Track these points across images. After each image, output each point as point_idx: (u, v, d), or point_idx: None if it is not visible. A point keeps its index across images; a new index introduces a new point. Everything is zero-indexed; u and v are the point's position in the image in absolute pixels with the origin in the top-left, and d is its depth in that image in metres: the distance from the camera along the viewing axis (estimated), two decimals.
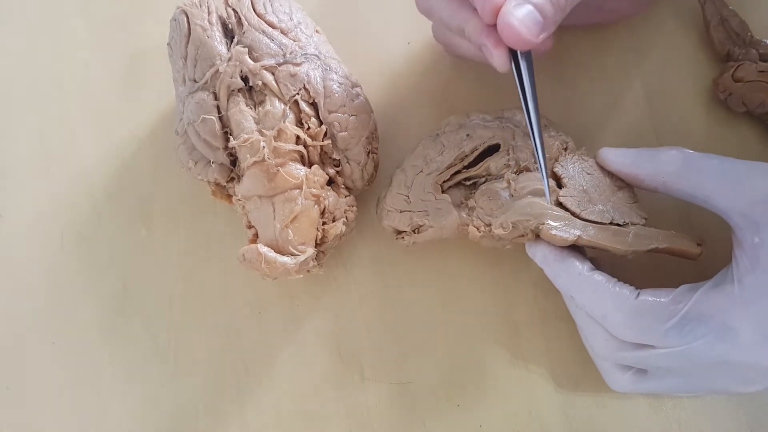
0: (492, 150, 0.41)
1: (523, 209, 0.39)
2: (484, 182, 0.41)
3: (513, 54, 0.36)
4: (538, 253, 0.39)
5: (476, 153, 0.41)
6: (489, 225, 0.39)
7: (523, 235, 0.39)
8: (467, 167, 0.41)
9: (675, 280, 0.36)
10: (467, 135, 0.41)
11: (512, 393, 0.43)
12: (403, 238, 0.41)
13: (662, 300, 0.35)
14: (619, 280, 0.37)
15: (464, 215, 0.40)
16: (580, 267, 0.37)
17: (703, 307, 0.34)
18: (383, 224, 0.41)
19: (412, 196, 0.41)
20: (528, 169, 0.40)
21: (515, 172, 0.40)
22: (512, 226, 0.38)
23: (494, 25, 0.35)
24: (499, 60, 0.36)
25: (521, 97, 0.37)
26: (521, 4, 0.34)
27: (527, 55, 0.36)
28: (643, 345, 0.36)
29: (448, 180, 0.41)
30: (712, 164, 0.35)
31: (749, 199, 0.34)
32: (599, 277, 0.37)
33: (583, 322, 0.39)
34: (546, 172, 0.37)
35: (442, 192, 0.41)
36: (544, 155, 0.37)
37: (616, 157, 0.39)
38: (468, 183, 0.41)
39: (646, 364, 0.36)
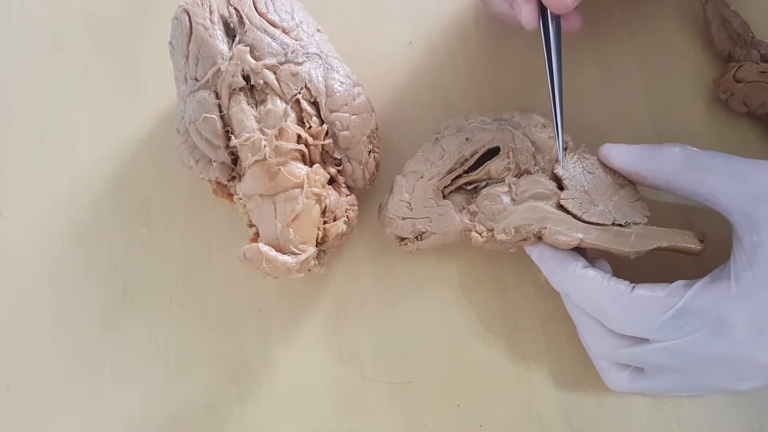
0: (492, 153, 0.41)
1: (525, 213, 0.39)
2: (485, 186, 0.41)
3: (543, 15, 0.37)
4: (535, 251, 0.39)
5: (476, 157, 0.41)
6: (491, 230, 0.39)
7: (525, 239, 0.39)
8: (468, 171, 0.41)
9: (671, 277, 0.36)
10: (466, 139, 0.41)
11: (512, 393, 0.43)
12: (406, 244, 0.41)
13: (657, 294, 0.35)
14: (613, 276, 0.37)
15: (467, 220, 0.40)
16: (575, 264, 0.38)
17: (699, 301, 0.34)
18: (386, 232, 0.41)
19: (413, 202, 0.41)
20: (528, 172, 0.40)
21: (516, 176, 0.40)
22: (515, 231, 0.39)
23: None
24: (527, 17, 0.37)
25: (546, 58, 0.38)
26: None
27: (557, 18, 0.37)
28: (638, 341, 0.36)
29: (449, 185, 0.41)
30: (716, 162, 0.36)
31: (751, 197, 0.34)
32: (593, 273, 0.37)
33: (579, 319, 0.39)
34: (561, 137, 0.39)
35: (444, 197, 0.41)
36: (562, 121, 0.38)
37: (619, 154, 0.39)
38: (469, 187, 0.41)
39: (643, 360, 0.36)
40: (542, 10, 0.37)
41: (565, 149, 0.40)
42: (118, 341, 0.45)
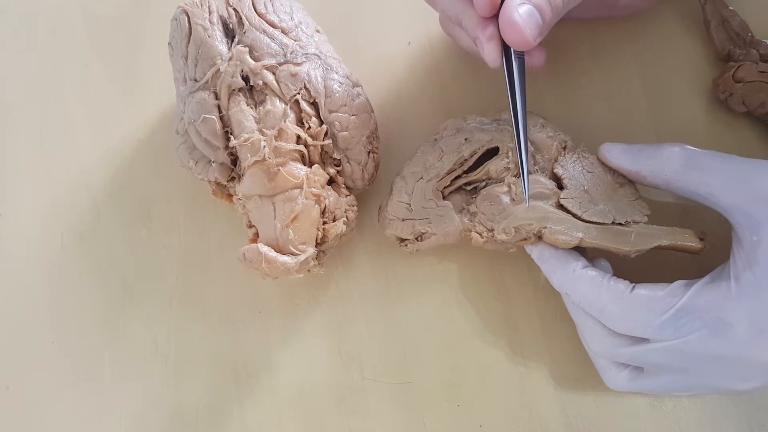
0: (491, 153, 0.41)
1: (525, 213, 0.39)
2: (485, 186, 0.41)
3: (506, 52, 0.37)
4: (535, 250, 0.39)
5: (475, 157, 0.41)
6: (491, 230, 0.39)
7: (525, 239, 0.39)
8: (467, 172, 0.41)
9: (671, 277, 0.36)
10: (465, 139, 0.41)
11: (512, 393, 0.43)
12: (406, 245, 0.41)
13: (658, 294, 0.35)
14: (613, 276, 0.37)
15: (466, 221, 0.40)
16: (575, 264, 0.38)
17: (699, 301, 0.34)
18: (386, 233, 0.41)
19: (413, 203, 0.41)
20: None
21: (515, 176, 0.40)
22: (515, 231, 0.39)
23: (489, 18, 0.36)
24: (490, 55, 0.37)
25: (509, 95, 0.37)
26: (523, 2, 0.34)
27: (520, 55, 0.37)
28: (638, 340, 0.36)
29: (449, 186, 0.41)
30: (715, 162, 0.36)
31: (751, 198, 0.34)
32: (593, 272, 0.37)
33: (579, 319, 0.39)
34: (527, 175, 0.38)
35: (443, 198, 0.41)
36: (527, 158, 0.38)
37: (618, 153, 0.39)
38: (468, 188, 0.41)
39: (642, 360, 0.36)
40: (505, 48, 0.37)
41: (563, 148, 0.40)
42: (118, 341, 0.45)
